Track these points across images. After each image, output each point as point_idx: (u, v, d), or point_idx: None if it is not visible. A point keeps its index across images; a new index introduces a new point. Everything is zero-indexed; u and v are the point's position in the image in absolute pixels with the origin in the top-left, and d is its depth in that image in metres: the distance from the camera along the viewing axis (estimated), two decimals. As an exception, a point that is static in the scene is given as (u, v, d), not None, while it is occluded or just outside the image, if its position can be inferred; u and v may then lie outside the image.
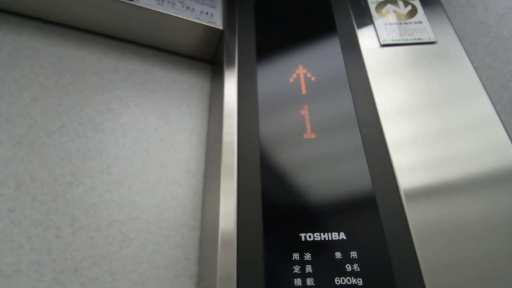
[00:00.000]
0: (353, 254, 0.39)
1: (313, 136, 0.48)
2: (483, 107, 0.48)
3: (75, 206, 0.45)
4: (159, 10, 0.58)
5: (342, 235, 0.40)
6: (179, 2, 0.61)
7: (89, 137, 0.51)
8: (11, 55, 0.53)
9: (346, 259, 0.38)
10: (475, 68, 0.52)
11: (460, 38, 0.55)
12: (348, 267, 0.38)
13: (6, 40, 0.54)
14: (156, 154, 0.54)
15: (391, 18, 0.59)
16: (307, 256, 0.39)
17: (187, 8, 0.61)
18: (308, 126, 0.49)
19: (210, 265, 0.42)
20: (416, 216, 0.41)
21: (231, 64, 0.57)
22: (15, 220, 0.42)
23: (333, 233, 0.40)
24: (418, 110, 0.49)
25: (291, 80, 0.54)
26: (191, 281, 0.45)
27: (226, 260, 0.39)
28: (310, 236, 0.40)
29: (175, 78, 0.64)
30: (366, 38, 0.57)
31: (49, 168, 0.46)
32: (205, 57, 0.68)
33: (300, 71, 0.54)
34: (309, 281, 0.37)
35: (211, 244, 0.43)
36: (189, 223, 0.49)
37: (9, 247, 0.40)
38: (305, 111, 0.50)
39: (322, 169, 0.45)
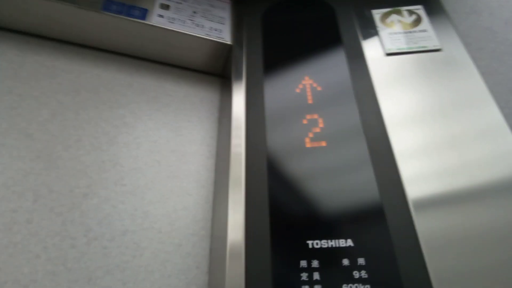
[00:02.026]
0: (361, 261, 0.39)
1: (320, 145, 0.48)
2: (491, 114, 0.48)
3: (89, 217, 0.46)
4: (171, 28, 0.61)
5: (350, 242, 0.40)
6: (190, 20, 0.64)
7: (104, 150, 0.53)
8: (31, 74, 0.56)
9: (354, 265, 0.38)
10: (482, 74, 0.52)
11: (466, 45, 0.55)
12: (356, 274, 0.38)
13: (26, 60, 0.57)
14: (167, 165, 0.55)
15: (396, 27, 0.60)
16: (315, 263, 0.39)
17: (197, 25, 0.64)
18: (315, 136, 0.49)
19: (220, 274, 0.42)
20: (424, 225, 0.40)
21: (239, 77, 0.59)
22: (33, 231, 0.44)
23: (341, 240, 0.40)
24: (425, 118, 0.49)
25: (298, 90, 0.55)
26: (201, 290, 0.46)
27: (235, 270, 0.39)
28: (317, 244, 0.40)
29: (187, 92, 0.66)
30: (371, 48, 0.58)
31: (66, 181, 0.48)
32: (215, 71, 0.70)
33: (306, 81, 0.55)
34: (317, 289, 0.37)
35: (221, 254, 0.43)
36: (200, 233, 0.50)
37: (26, 257, 0.42)
38: (311, 121, 0.51)
39: (329, 179, 0.46)
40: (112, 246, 0.45)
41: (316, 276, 0.38)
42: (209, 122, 0.64)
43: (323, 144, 0.48)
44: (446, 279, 0.37)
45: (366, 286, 0.37)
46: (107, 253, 0.45)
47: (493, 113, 0.48)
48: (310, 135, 0.50)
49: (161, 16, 0.61)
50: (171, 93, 0.65)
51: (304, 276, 0.38)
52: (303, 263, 0.39)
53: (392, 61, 0.56)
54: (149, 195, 0.51)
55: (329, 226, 0.42)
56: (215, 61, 0.68)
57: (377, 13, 0.62)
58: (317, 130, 0.50)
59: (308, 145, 0.49)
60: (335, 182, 0.45)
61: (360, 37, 0.59)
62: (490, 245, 0.38)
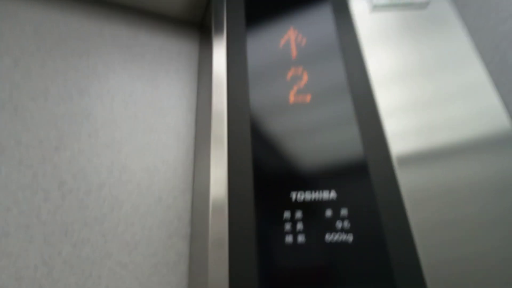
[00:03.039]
0: (344, 211, 0.39)
1: (305, 101, 0.47)
2: (475, 71, 0.48)
3: (63, 170, 0.44)
4: (143, -30, 0.56)
5: (333, 193, 0.40)
6: (164, -37, 0.59)
7: (75, 102, 0.50)
8: (-11, 17, 0.51)
9: (337, 216, 0.39)
10: (467, 30, 0.52)
11: (453, 0, 0.54)
12: (339, 224, 0.38)
13: (-18, 1, 0.51)
14: (144, 118, 0.53)
15: (383, -22, 0.58)
16: (298, 214, 0.39)
17: (173, -32, 0.59)
18: (299, 91, 0.48)
19: (202, 226, 0.42)
20: (407, 179, 0.41)
21: (219, 28, 0.55)
22: (1, 183, 0.41)
23: (324, 191, 0.40)
24: (410, 75, 0.49)
25: (281, 45, 0.52)
26: (184, 241, 0.46)
27: (218, 223, 0.39)
28: (301, 194, 0.40)
29: (163, 42, 0.62)
30: (358, 1, 0.56)
31: (34, 132, 0.45)
32: (193, 20, 0.66)
33: (291, 34, 0.53)
34: (300, 238, 0.38)
35: (203, 207, 0.43)
36: (181, 186, 0.49)
37: (-3, 210, 0.40)
38: (295, 76, 0.49)
39: (313, 135, 0.45)
40: (89, 199, 0.44)
41: (299, 226, 0.38)
42: (188, 74, 0.61)
43: (307, 99, 0.47)
44: (426, 230, 0.38)
45: (349, 234, 0.38)
46: (83, 206, 0.43)
47: (478, 70, 0.48)
48: (295, 89, 0.48)
49: (133, -45, 0.56)
50: (146, 44, 0.61)
51: (287, 226, 0.38)
52: (287, 214, 0.39)
53: (379, 17, 0.54)
54: (126, 149, 0.49)
55: (313, 177, 0.42)
56: (193, 9, 0.63)
57: (364, -38, 0.60)
58: (301, 85, 0.49)
59: (292, 100, 0.47)
60: (320, 137, 0.45)
61: (346, -13, 0.57)
62: (469, 197, 0.39)
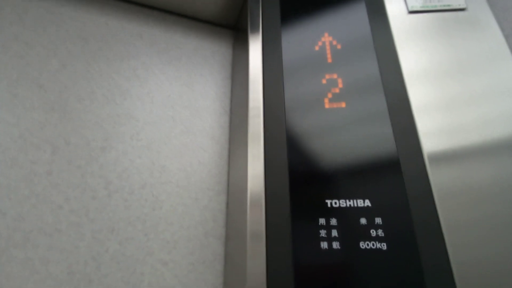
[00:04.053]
0: (378, 220, 0.40)
1: (340, 106, 0.48)
2: (509, 75, 0.48)
3: (109, 170, 0.47)
4: (182, -26, 0.57)
5: (367, 202, 0.41)
6: (200, -35, 0.60)
7: (118, 103, 0.52)
8: (37, 21, 0.53)
9: (371, 224, 0.40)
10: (506, 36, 0.51)
11: (491, 5, 0.53)
12: (373, 232, 0.39)
13: (31, 5, 0.54)
14: (181, 120, 0.55)
15: (421, -17, 0.57)
16: (333, 221, 0.40)
17: (209, -29, 0.60)
18: (334, 96, 0.49)
19: (238, 225, 0.44)
20: (438, 179, 0.41)
21: (255, 29, 0.56)
22: (53, 182, 0.44)
23: (358, 200, 0.41)
24: (444, 76, 0.49)
25: (317, 48, 0.53)
26: (219, 241, 0.48)
27: (256, 219, 0.40)
28: (336, 203, 0.41)
29: (197, 44, 0.64)
30: (393, 4, 0.56)
31: (82, 133, 0.48)
32: (226, 23, 0.67)
33: (326, 38, 0.54)
34: (335, 245, 0.39)
35: (239, 206, 0.45)
36: (215, 187, 0.51)
37: (49, 207, 0.43)
38: (330, 81, 0.50)
39: (348, 136, 0.46)
40: (132, 199, 0.46)
41: (334, 233, 0.40)
42: (222, 77, 0.62)
43: (343, 105, 0.48)
44: (455, 228, 0.39)
45: (383, 243, 0.39)
46: (127, 206, 0.45)
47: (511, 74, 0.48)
48: (329, 95, 0.49)
49: (173, -40, 0.57)
50: (181, 46, 0.63)
51: (323, 233, 0.40)
52: (322, 221, 0.40)
53: (415, 19, 0.54)
54: (165, 150, 0.51)
55: (348, 185, 0.43)
56: (227, 11, 0.65)
57: (402, -33, 0.59)
58: (336, 90, 0.49)
59: (327, 105, 0.48)
60: (354, 139, 0.46)
61: (383, -8, 0.57)
62: (497, 196, 0.40)
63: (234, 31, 0.68)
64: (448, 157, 0.43)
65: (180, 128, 0.54)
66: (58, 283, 0.39)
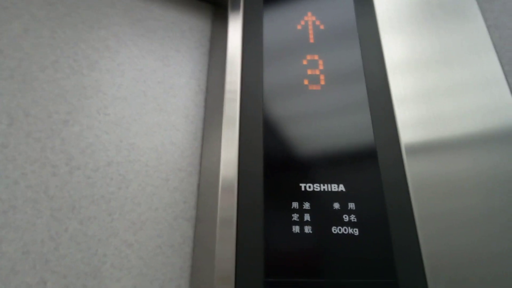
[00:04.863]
0: (351, 205, 0.39)
1: (318, 87, 0.46)
2: (491, 67, 0.48)
3: (71, 145, 0.44)
4: None
5: (342, 187, 0.40)
6: None
7: (85, 75, 0.48)
8: (-3, -21, 0.49)
9: (344, 210, 0.39)
10: (488, 27, 0.50)
11: (478, -7, 0.52)
12: (346, 218, 0.39)
13: (-9, -38, 0.49)
14: (154, 97, 0.52)
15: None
16: (306, 205, 0.39)
17: None
18: (313, 77, 0.47)
19: (209, 208, 0.42)
20: (414, 169, 0.41)
21: (236, 6, 0.54)
22: (9, 156, 0.41)
23: (333, 185, 0.40)
24: (425, 66, 0.48)
25: (299, 27, 0.51)
26: (189, 223, 0.46)
27: (227, 204, 0.39)
28: (310, 187, 0.40)
29: (175, 17, 0.60)
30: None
31: (43, 105, 0.44)
32: (207, -4, 0.64)
33: (309, 17, 0.52)
34: (307, 229, 0.38)
35: (211, 189, 0.43)
36: (188, 169, 0.49)
37: (4, 182, 0.39)
38: (311, 62, 0.48)
39: (326, 121, 0.45)
40: (97, 177, 0.43)
41: (307, 217, 0.39)
42: (199, 54, 0.59)
43: (322, 85, 0.47)
44: (428, 219, 0.38)
45: (355, 229, 0.38)
46: (91, 183, 0.43)
47: (493, 67, 0.47)
48: (309, 75, 0.47)
49: None
50: (158, 18, 0.59)
51: (295, 216, 0.39)
52: (295, 205, 0.39)
53: (400, 3, 0.53)
54: (135, 127, 0.48)
55: (323, 170, 0.41)
56: (208, -15, 0.61)
57: None
58: (317, 71, 0.48)
59: (306, 86, 0.47)
60: (332, 125, 0.45)
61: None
62: (472, 189, 0.40)
63: (215, 6, 0.65)
64: (425, 148, 0.42)
65: (152, 105, 0.51)
66: (11, 263, 0.36)
